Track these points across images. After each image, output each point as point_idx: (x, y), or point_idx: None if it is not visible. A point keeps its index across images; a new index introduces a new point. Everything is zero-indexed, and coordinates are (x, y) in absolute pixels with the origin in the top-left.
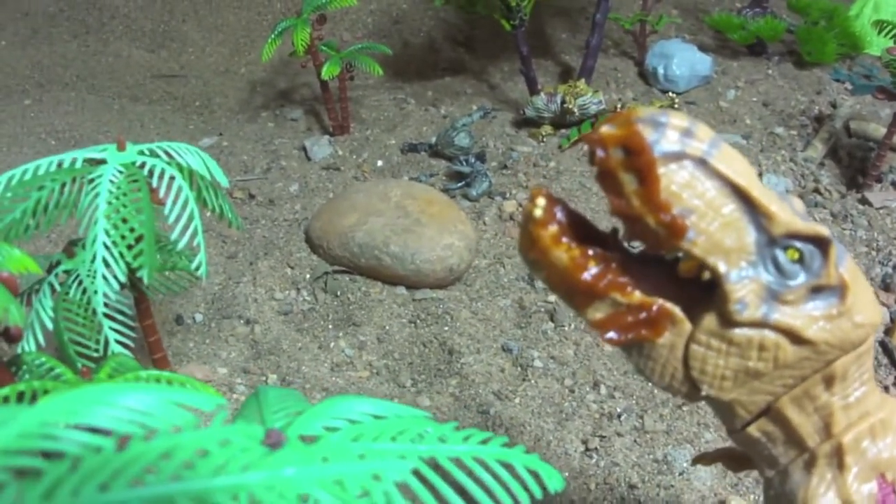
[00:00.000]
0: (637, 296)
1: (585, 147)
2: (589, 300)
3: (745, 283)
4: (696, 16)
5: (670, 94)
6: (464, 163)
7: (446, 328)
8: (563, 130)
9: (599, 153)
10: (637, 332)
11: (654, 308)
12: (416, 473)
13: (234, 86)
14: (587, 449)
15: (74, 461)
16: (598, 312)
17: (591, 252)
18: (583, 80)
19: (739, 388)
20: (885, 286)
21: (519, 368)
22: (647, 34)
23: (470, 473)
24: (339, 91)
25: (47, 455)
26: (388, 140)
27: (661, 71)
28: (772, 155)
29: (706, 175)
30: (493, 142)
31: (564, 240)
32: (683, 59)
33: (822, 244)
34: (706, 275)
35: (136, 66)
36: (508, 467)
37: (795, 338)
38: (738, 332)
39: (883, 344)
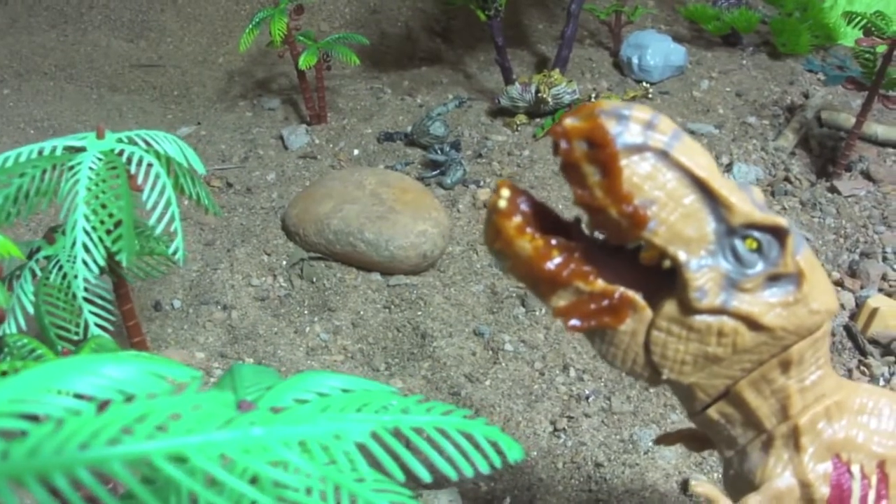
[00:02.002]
0: (599, 284)
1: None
2: (552, 288)
3: (704, 271)
4: (672, 6)
5: (644, 84)
6: (439, 151)
7: (419, 313)
8: (537, 120)
9: (563, 145)
10: (599, 319)
11: (616, 295)
12: (379, 440)
13: (212, 75)
14: (555, 429)
15: (57, 423)
16: (561, 300)
17: (554, 242)
18: (557, 70)
19: (699, 372)
20: (852, 273)
21: (490, 352)
22: (622, 25)
23: (432, 443)
24: (316, 81)
25: (32, 419)
26: (365, 129)
27: (635, 61)
28: (743, 144)
29: (667, 166)
30: (469, 131)
31: (528, 230)
32: (658, 50)
33: (779, 234)
34: (667, 263)
35: (114, 56)
36: (470, 438)
37: (753, 324)
38: (698, 319)
39: (847, 328)
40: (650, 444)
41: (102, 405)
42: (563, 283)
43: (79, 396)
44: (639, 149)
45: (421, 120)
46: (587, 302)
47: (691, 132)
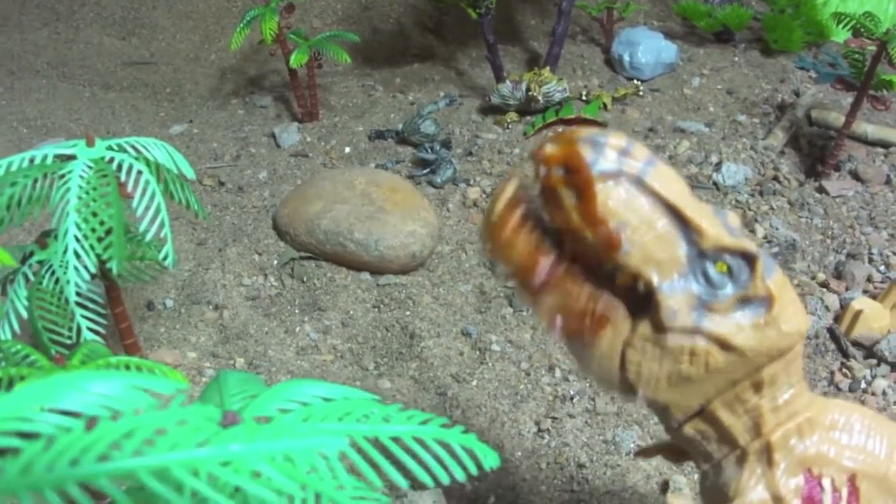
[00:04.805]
0: (588, 287)
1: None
2: (542, 288)
3: (676, 293)
4: (664, 3)
5: (635, 81)
6: (429, 150)
7: (408, 313)
8: (528, 118)
9: (542, 171)
10: (580, 323)
11: (602, 298)
12: (358, 450)
13: (204, 73)
14: (539, 430)
15: (48, 440)
16: (549, 299)
17: (547, 243)
18: (547, 68)
19: (673, 390)
20: (838, 274)
21: (477, 352)
22: (613, 21)
23: (410, 452)
24: (308, 78)
25: (24, 436)
26: (356, 127)
27: (626, 58)
28: (733, 143)
29: (641, 192)
30: (459, 129)
31: (526, 226)
32: (649, 47)
33: (748, 258)
34: (642, 286)
35: (106, 54)
36: (447, 447)
37: (724, 345)
38: (671, 339)
39: (831, 330)
40: (633, 445)
41: (91, 422)
42: (553, 284)
43: (67, 413)
44: (614, 175)
45: (412, 118)
46: (572, 305)
47: (681, 130)
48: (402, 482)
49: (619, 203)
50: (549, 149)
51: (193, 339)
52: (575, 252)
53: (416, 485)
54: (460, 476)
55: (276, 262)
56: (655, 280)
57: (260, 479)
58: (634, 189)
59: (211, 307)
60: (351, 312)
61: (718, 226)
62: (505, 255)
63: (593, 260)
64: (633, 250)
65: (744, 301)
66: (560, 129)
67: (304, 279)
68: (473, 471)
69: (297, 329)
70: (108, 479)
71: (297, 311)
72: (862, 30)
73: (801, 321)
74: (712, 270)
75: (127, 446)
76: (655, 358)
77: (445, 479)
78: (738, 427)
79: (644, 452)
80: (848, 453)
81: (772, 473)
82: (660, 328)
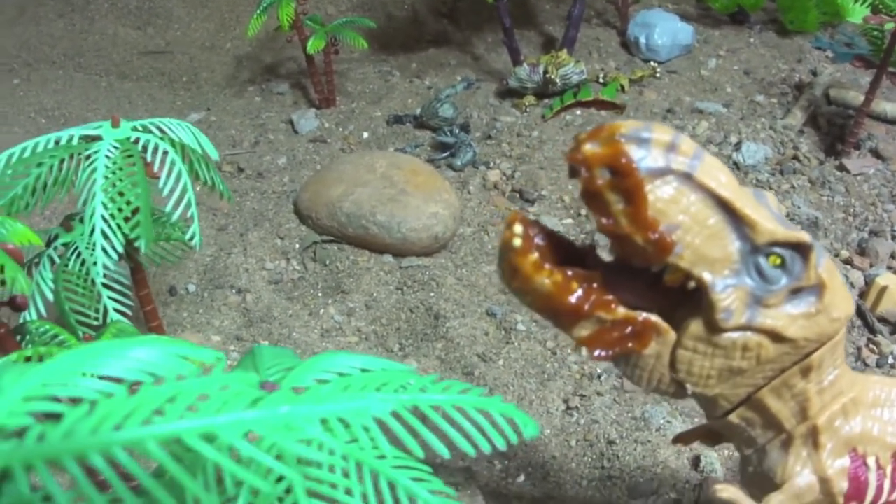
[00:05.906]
0: (621, 311)
1: (569, 157)
2: (575, 321)
3: (729, 291)
4: None
5: (652, 63)
6: (448, 133)
7: (432, 294)
8: (545, 100)
9: (584, 173)
10: (623, 346)
11: (639, 321)
12: (399, 419)
13: (220, 61)
14: (568, 407)
15: (91, 405)
16: (584, 330)
17: (571, 273)
18: (565, 51)
19: (723, 383)
20: (861, 251)
21: (503, 332)
22: (629, 4)
23: (450, 420)
24: (325, 64)
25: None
26: (374, 112)
27: (642, 41)
28: (752, 122)
29: (691, 189)
30: (477, 112)
31: (546, 266)
32: (665, 29)
33: (802, 249)
34: (691, 284)
35: (122, 44)
36: (487, 415)
37: (777, 337)
38: (724, 337)
39: (857, 306)
40: (662, 421)
41: (133, 388)
42: (586, 316)
43: (108, 379)
44: (662, 172)
45: (430, 102)
46: (610, 330)
47: (700, 111)
48: (444, 451)
49: (668, 203)
50: (590, 148)
51: (217, 322)
52: (605, 269)
53: (449, 460)
54: (501, 444)
55: (298, 245)
56: (709, 279)
57: (304, 444)
58: (684, 186)
59: (234, 291)
60: (374, 295)
61: (770, 218)
62: (531, 299)
63: (640, 262)
64: (686, 251)
65: (795, 291)
66: (578, 111)
67: (327, 262)
68: (514, 439)
69: (321, 312)
70: (155, 442)
71: (320, 294)
72: (881, 6)
73: (848, 305)
74: (765, 264)
75: (171, 411)
76: (707, 356)
77: (486, 448)
78: (784, 412)
79: (682, 439)
80: (891, 429)
81: (818, 456)
82: (714, 328)
